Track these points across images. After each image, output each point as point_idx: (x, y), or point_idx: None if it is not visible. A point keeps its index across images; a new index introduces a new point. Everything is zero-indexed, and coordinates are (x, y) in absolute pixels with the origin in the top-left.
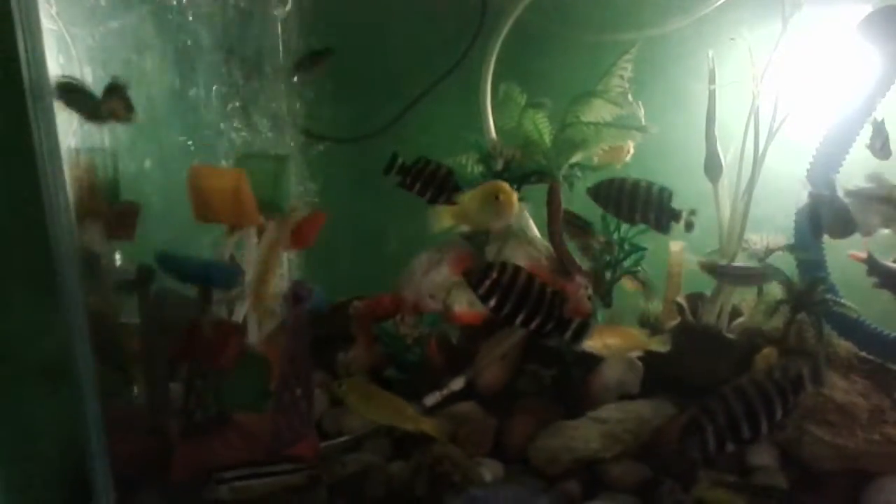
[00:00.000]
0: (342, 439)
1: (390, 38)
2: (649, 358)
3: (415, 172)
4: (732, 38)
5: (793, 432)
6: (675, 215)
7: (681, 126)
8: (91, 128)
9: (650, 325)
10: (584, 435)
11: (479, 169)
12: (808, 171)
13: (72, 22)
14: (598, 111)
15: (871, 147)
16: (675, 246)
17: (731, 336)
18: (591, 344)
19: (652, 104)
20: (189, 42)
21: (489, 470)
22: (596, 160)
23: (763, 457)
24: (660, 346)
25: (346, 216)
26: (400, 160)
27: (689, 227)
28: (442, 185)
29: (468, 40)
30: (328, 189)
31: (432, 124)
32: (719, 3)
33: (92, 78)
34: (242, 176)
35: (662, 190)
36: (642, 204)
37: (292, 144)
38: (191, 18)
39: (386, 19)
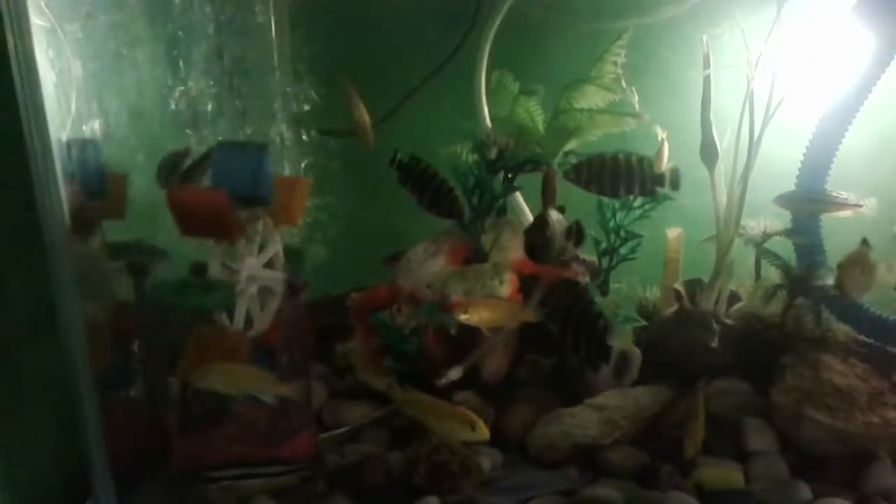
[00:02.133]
0: (341, 430)
1: (385, 29)
2: (647, 345)
3: (415, 176)
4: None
5: (790, 416)
6: (659, 178)
7: (677, 112)
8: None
9: (648, 312)
10: (583, 422)
11: (473, 158)
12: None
13: (63, 17)
14: (592, 97)
15: None
16: (673, 232)
17: (729, 321)
18: (467, 317)
19: (648, 90)
20: (180, 35)
21: (488, 458)
22: None
23: (762, 441)
24: (531, 316)
25: (343, 209)
26: (398, 157)
27: (674, 184)
28: (428, 187)
29: (463, 30)
30: (324, 182)
31: (428, 114)
32: None
33: (81, 73)
34: (222, 195)
35: (641, 159)
36: (625, 175)
37: (286, 138)
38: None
39: (380, 11)
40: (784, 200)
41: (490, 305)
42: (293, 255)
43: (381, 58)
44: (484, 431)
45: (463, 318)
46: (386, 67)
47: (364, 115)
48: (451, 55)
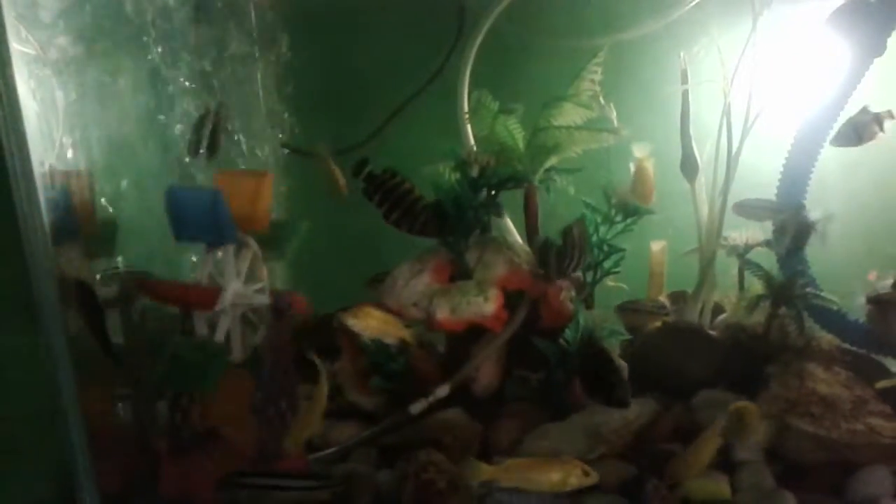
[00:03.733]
0: (330, 451)
1: (369, 50)
2: (634, 358)
3: (386, 190)
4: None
5: (775, 426)
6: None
7: (658, 127)
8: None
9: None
10: (570, 437)
11: (455, 176)
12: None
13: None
14: (570, 115)
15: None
16: (657, 245)
17: (713, 333)
18: (354, 322)
19: (628, 106)
20: (165, 60)
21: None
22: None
23: (748, 451)
24: (409, 337)
25: (330, 228)
26: (369, 167)
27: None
28: (401, 203)
29: (446, 50)
30: (311, 201)
31: (412, 134)
32: (691, 4)
33: (63, 101)
34: (219, 195)
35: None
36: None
37: (273, 158)
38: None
39: (364, 31)
40: (741, 209)
41: (378, 317)
42: (279, 228)
43: (366, 77)
44: (593, 474)
45: (351, 322)
46: (370, 87)
47: (339, 178)
48: (434, 74)
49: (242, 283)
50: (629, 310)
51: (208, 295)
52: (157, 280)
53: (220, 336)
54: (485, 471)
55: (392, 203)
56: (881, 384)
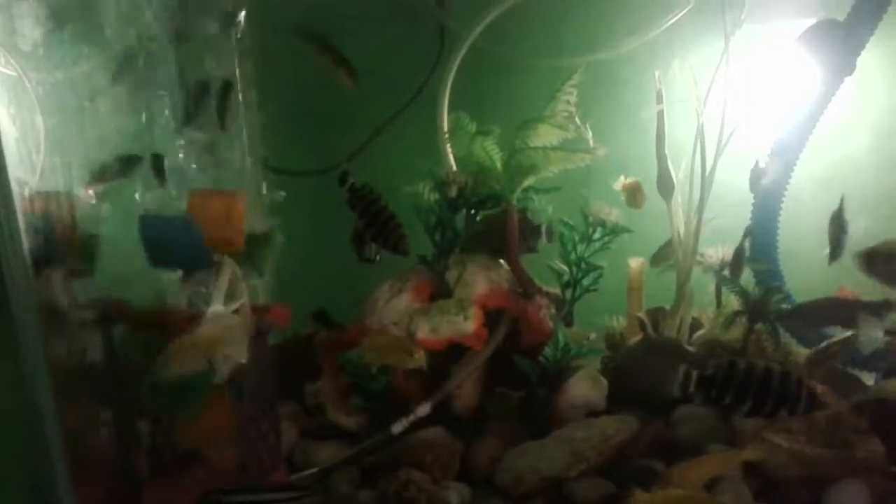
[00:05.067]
0: (311, 471)
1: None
2: (613, 374)
3: (365, 204)
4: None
5: (751, 441)
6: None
7: (635, 145)
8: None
9: (615, 341)
10: (550, 454)
11: (434, 196)
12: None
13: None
14: (546, 136)
15: None
16: (635, 262)
17: (691, 349)
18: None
19: (604, 125)
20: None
21: (456, 493)
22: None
23: None
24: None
25: (311, 249)
26: (350, 180)
27: (549, 236)
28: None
29: (427, 70)
30: (292, 221)
31: (392, 154)
32: (667, 25)
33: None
34: (191, 222)
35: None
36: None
37: (252, 178)
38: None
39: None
40: None
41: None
42: (259, 239)
43: (348, 96)
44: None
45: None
46: (352, 106)
47: None
48: (416, 92)
49: (222, 303)
50: None
51: (188, 321)
52: (135, 308)
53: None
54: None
55: (369, 217)
56: None
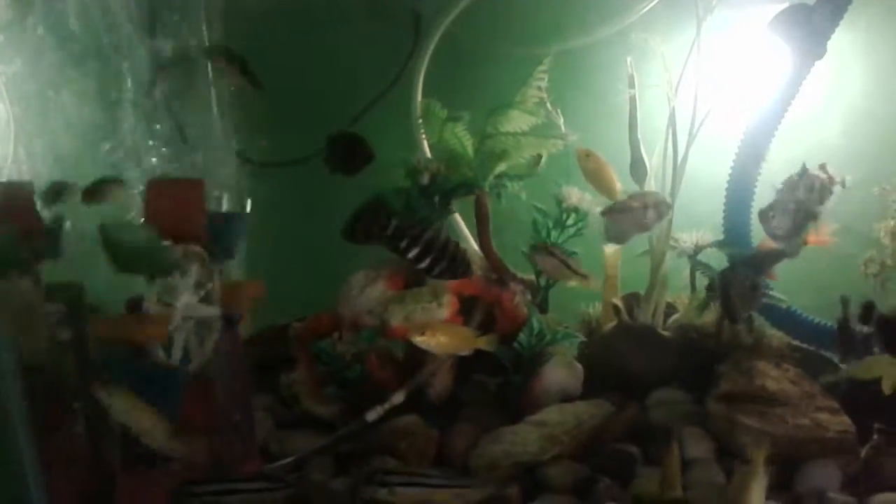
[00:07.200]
0: (285, 461)
1: (324, 59)
2: (588, 359)
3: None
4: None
5: (724, 423)
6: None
7: (608, 131)
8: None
9: (590, 328)
10: (524, 439)
11: (407, 183)
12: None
13: None
14: (517, 122)
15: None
16: (611, 248)
17: (666, 333)
18: (423, 340)
19: (577, 111)
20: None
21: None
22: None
23: (699, 449)
24: (487, 345)
25: (287, 239)
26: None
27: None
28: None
29: (401, 59)
30: (269, 212)
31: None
32: (642, 13)
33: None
34: (152, 230)
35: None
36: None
37: (229, 169)
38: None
39: (319, 40)
40: None
41: (449, 331)
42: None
43: (326, 83)
44: None
45: (418, 340)
46: (329, 93)
47: None
48: (393, 81)
49: (192, 293)
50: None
51: (160, 323)
52: (105, 318)
53: (176, 354)
54: None
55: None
56: None
